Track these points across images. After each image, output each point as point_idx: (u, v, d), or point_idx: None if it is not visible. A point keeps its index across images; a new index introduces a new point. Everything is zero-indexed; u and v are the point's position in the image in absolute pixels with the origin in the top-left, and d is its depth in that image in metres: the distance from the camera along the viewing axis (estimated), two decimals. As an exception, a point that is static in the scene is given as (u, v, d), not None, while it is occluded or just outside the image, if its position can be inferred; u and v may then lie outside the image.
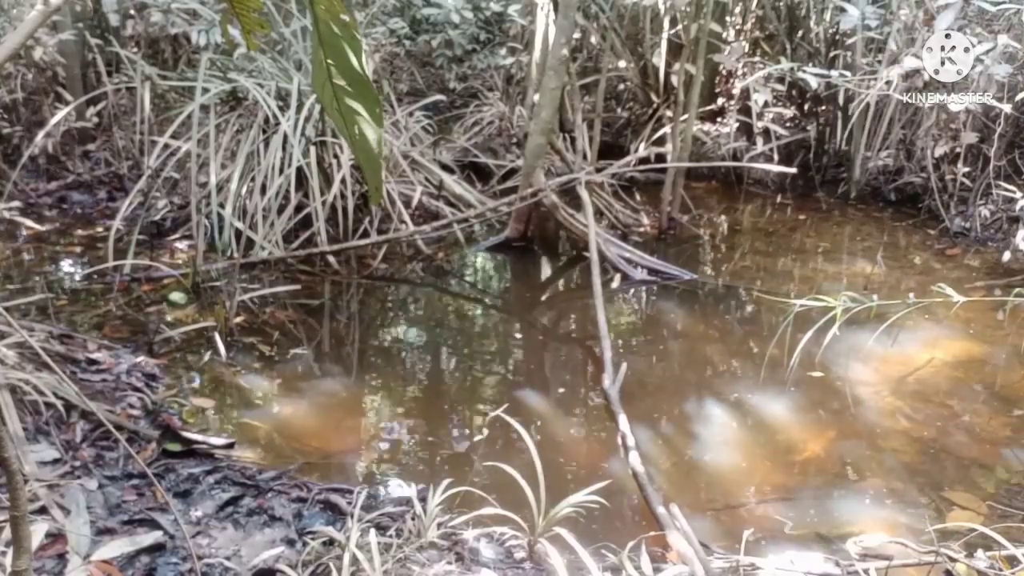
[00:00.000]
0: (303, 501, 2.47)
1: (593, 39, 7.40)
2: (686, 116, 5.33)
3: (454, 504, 2.42)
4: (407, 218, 4.81)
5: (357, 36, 0.93)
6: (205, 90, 4.49)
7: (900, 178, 5.87)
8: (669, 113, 6.51)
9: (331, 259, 4.48)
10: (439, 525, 2.29)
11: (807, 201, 6.11)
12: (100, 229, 4.88)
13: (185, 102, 4.97)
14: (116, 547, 2.13)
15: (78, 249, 4.63)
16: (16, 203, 4.86)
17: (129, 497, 2.41)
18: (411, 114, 5.75)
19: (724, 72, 6.91)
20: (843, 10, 5.22)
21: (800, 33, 6.59)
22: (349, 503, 2.43)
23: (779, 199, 6.18)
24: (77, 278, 4.24)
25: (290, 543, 2.27)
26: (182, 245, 4.62)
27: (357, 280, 4.44)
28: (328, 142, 4.63)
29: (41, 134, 5.34)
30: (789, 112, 6.57)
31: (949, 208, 5.40)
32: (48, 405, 2.62)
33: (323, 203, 4.53)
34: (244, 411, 3.07)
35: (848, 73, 5.31)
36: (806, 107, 6.62)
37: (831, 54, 6.25)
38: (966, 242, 5.15)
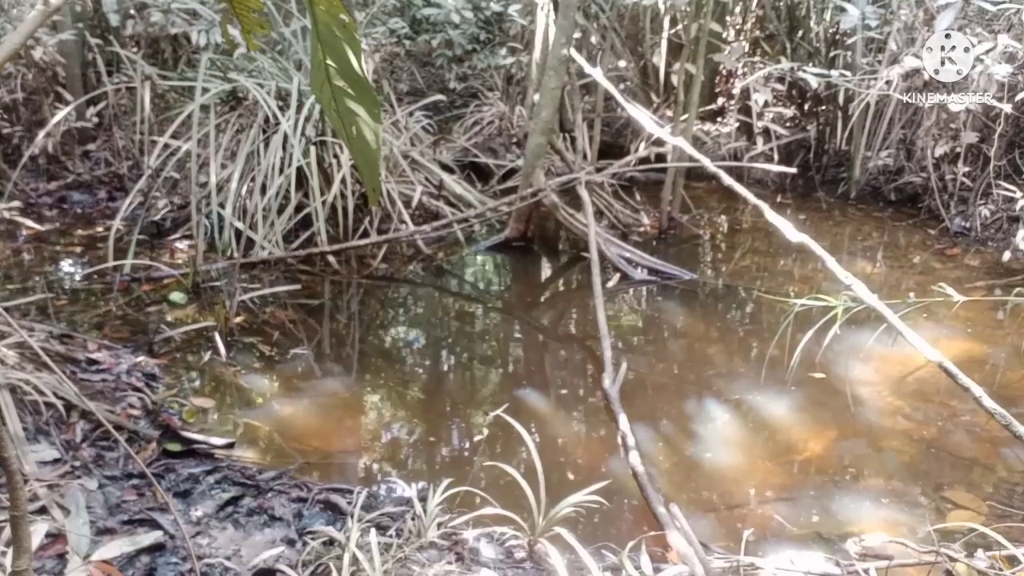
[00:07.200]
0: (303, 501, 2.48)
1: (593, 39, 7.39)
2: (686, 116, 5.33)
3: (454, 504, 2.42)
4: (407, 218, 4.81)
5: (357, 37, 0.93)
6: (205, 90, 4.49)
7: (900, 178, 5.86)
8: (669, 113, 6.51)
9: (331, 259, 4.48)
10: (439, 525, 2.29)
11: (807, 201, 6.11)
12: (100, 229, 4.88)
13: (185, 102, 4.97)
14: (116, 547, 2.13)
15: (78, 249, 4.63)
16: (16, 203, 4.86)
17: (129, 497, 2.41)
18: (411, 114, 5.75)
19: (724, 72, 6.91)
20: (843, 10, 5.22)
21: (800, 33, 6.59)
22: (349, 503, 2.43)
23: (779, 199, 6.18)
24: (77, 278, 4.24)
25: (290, 543, 2.27)
26: (182, 245, 4.62)
27: (357, 280, 4.44)
28: (328, 142, 4.63)
29: (41, 134, 5.34)
30: (789, 112, 6.57)
31: (949, 208, 5.40)
32: (48, 405, 2.62)
33: (323, 203, 4.53)
34: (244, 411, 3.07)
35: (848, 73, 5.31)
36: (806, 107, 6.62)
37: (831, 54, 6.25)
38: (966, 242, 5.14)
